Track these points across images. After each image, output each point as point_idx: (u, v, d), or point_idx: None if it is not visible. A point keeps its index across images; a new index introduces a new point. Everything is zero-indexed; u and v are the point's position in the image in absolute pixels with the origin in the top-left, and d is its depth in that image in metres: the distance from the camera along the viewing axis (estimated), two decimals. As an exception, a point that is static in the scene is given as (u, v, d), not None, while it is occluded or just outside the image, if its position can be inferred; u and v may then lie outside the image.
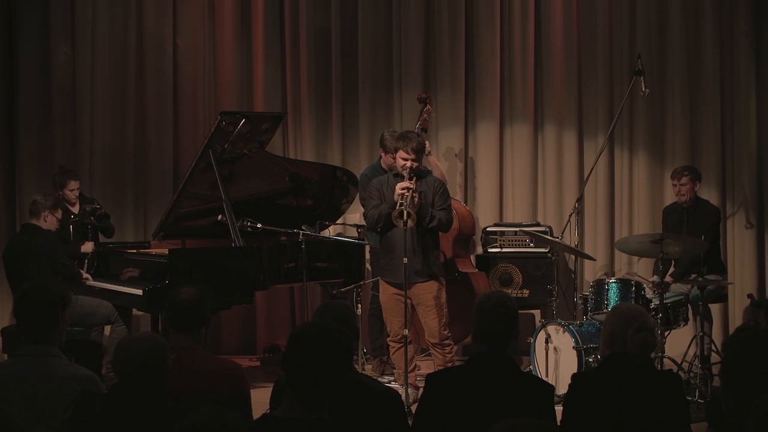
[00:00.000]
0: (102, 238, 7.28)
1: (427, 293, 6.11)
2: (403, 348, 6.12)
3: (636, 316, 3.85)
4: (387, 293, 6.19)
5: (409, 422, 3.73)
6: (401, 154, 6.06)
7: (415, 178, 5.98)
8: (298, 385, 2.85)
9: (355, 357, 6.76)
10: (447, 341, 6.17)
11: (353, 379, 3.41)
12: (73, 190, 7.20)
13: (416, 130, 7.31)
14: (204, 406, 2.57)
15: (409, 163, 6.01)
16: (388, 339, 6.36)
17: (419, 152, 6.06)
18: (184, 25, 8.39)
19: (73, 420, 3.29)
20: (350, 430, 2.99)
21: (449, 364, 6.10)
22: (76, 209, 7.18)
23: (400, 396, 3.68)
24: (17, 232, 7.36)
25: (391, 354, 6.41)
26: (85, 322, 6.57)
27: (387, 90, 8.31)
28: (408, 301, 6.07)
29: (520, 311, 3.90)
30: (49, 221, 6.57)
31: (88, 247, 7.02)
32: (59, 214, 6.64)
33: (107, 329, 6.80)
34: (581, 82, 8.10)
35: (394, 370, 6.77)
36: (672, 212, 7.22)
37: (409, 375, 6.09)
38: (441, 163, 8.04)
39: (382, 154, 7.10)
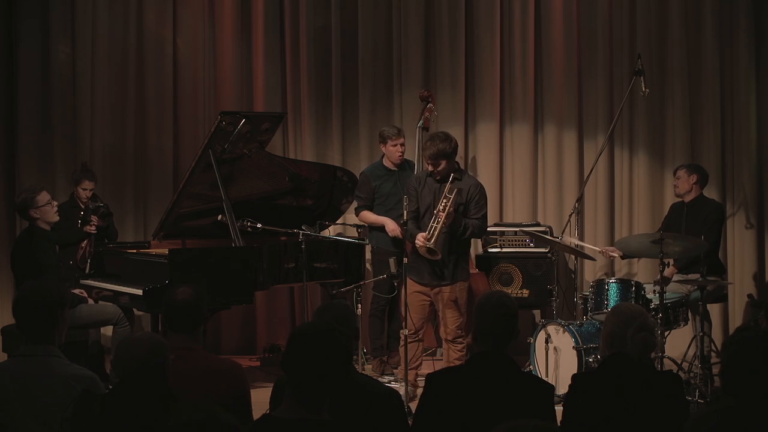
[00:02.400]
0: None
1: (450, 294, 6.24)
2: (416, 342, 6.32)
3: (636, 316, 3.86)
4: (411, 290, 6.23)
5: (408, 420, 3.74)
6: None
7: (433, 240, 6.02)
8: (298, 385, 2.85)
9: (354, 357, 6.80)
10: (459, 339, 6.29)
11: (353, 379, 3.42)
12: (86, 189, 7.23)
13: (417, 128, 7.37)
14: (187, 402, 2.55)
15: (430, 168, 6.12)
16: (400, 331, 6.42)
17: (436, 158, 6.06)
18: (184, 25, 8.39)
19: (73, 420, 3.28)
20: (350, 430, 2.99)
21: (459, 362, 6.22)
22: None
23: (400, 396, 3.68)
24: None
25: (399, 346, 6.47)
26: (87, 326, 6.55)
27: (387, 90, 8.31)
28: (428, 301, 6.27)
29: (520, 311, 3.91)
30: (41, 212, 6.36)
31: (91, 228, 7.01)
32: (41, 200, 6.34)
33: (108, 329, 6.79)
34: (581, 82, 8.10)
35: (394, 370, 6.81)
36: (675, 209, 7.24)
37: (411, 371, 6.24)
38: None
39: (382, 148, 7.18)
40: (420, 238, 6.02)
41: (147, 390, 3.25)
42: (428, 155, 6.06)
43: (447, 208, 5.97)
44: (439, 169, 6.07)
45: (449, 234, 6.10)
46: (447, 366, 6.08)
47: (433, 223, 6.02)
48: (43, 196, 6.39)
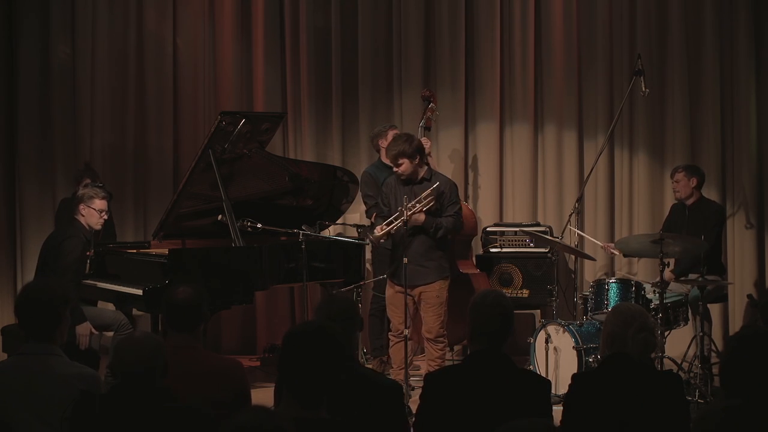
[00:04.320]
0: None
1: (431, 292, 6.29)
2: (402, 342, 6.34)
3: (636, 316, 3.85)
4: (391, 290, 6.38)
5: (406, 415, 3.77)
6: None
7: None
8: (295, 384, 2.86)
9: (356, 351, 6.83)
10: (441, 338, 6.34)
11: (357, 373, 3.44)
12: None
13: (419, 128, 7.37)
14: (254, 406, 2.56)
15: (395, 170, 6.30)
16: (389, 333, 6.54)
17: (396, 158, 6.23)
18: (184, 25, 8.40)
19: (73, 420, 3.29)
20: (348, 428, 2.99)
21: (439, 360, 6.32)
22: None
23: (401, 388, 3.70)
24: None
25: (390, 347, 6.56)
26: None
27: (387, 90, 8.31)
28: (410, 299, 6.27)
29: (520, 311, 3.92)
30: (87, 214, 6.42)
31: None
32: (97, 204, 6.43)
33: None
34: (581, 82, 8.09)
35: (391, 369, 6.85)
36: (676, 210, 7.24)
37: (403, 371, 6.26)
38: (445, 163, 8.06)
39: (381, 145, 7.20)
40: (377, 230, 6.22)
41: (145, 390, 3.26)
42: (390, 156, 6.27)
43: (415, 211, 6.11)
44: (400, 169, 6.23)
45: (426, 234, 6.21)
46: (442, 366, 6.18)
47: (393, 219, 6.14)
48: (101, 204, 6.47)
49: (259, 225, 6.61)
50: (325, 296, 7.41)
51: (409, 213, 6.06)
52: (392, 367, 6.57)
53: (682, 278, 6.76)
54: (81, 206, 6.44)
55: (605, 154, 7.82)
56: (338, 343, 2.91)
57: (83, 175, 7.30)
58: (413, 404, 5.34)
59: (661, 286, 6.28)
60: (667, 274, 6.70)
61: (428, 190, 6.16)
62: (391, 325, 6.48)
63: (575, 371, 5.80)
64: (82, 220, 6.46)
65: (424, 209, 6.14)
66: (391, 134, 7.16)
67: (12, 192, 8.20)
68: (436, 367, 6.22)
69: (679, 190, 7.10)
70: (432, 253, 6.27)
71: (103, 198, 6.50)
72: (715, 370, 6.29)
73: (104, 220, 6.55)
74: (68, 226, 6.55)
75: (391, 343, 6.50)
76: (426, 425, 3.71)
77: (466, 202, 7.92)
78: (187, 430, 3.18)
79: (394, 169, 6.29)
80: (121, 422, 3.21)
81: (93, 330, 6.30)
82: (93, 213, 6.43)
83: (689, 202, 7.08)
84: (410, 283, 6.19)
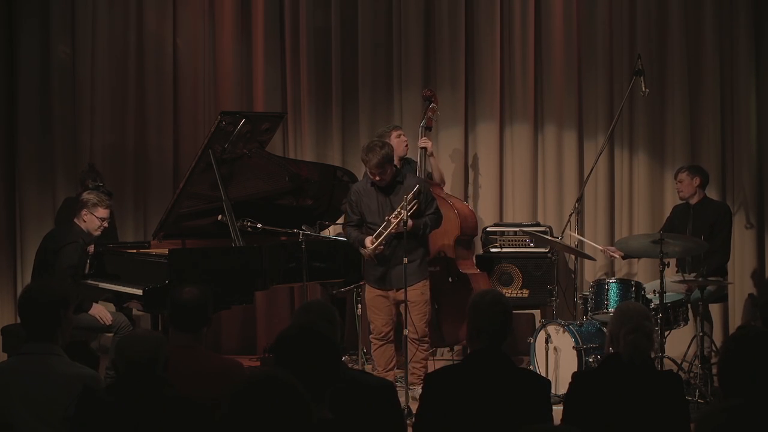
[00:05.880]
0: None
1: (415, 292, 6.26)
2: (385, 345, 6.39)
3: (633, 317, 3.84)
4: (372, 293, 6.38)
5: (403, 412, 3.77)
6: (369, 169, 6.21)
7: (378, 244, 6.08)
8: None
9: (354, 356, 6.83)
10: (426, 338, 6.37)
11: (347, 375, 3.44)
12: None
13: (420, 128, 7.36)
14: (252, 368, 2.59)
15: (378, 179, 6.16)
16: (370, 336, 6.48)
17: (383, 165, 6.09)
18: (184, 25, 8.40)
19: (77, 414, 3.29)
20: (350, 428, 3.00)
21: (424, 362, 6.36)
22: None
23: (393, 385, 3.70)
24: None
25: (372, 350, 6.50)
26: (88, 330, 6.54)
27: (387, 90, 8.31)
28: (392, 302, 6.31)
29: (520, 311, 3.92)
30: (88, 220, 6.49)
31: (90, 248, 7.02)
32: (100, 212, 6.49)
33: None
34: (581, 82, 8.09)
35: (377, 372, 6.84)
36: (679, 210, 7.22)
37: (389, 373, 6.32)
38: (446, 163, 8.06)
39: None
40: (368, 242, 6.13)
41: (146, 379, 3.27)
42: (375, 164, 6.08)
43: (401, 217, 6.00)
44: (386, 175, 6.14)
45: (408, 236, 6.07)
46: (426, 367, 6.28)
47: (383, 229, 6.06)
48: (104, 212, 6.53)
49: (259, 225, 6.62)
50: (304, 303, 7.41)
51: (397, 222, 6.01)
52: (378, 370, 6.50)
53: (682, 279, 6.75)
54: (84, 211, 6.49)
55: (605, 154, 7.82)
56: (328, 339, 2.93)
57: (88, 178, 7.29)
58: (413, 404, 5.36)
59: (692, 287, 6.32)
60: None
61: (410, 194, 6.00)
62: (372, 327, 6.42)
63: (575, 371, 5.82)
64: (82, 224, 6.50)
65: (409, 214, 6.01)
66: (394, 135, 7.13)
67: (12, 192, 8.20)
68: (422, 369, 6.24)
69: (682, 190, 7.08)
70: (413, 254, 6.17)
71: (107, 207, 6.56)
72: (715, 370, 6.29)
73: (104, 227, 6.59)
74: (67, 230, 6.57)
75: (373, 347, 6.43)
76: (426, 425, 3.71)
77: (467, 201, 7.93)
78: (183, 417, 3.20)
79: (376, 179, 6.15)
80: (124, 410, 3.22)
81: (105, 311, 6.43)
82: (94, 220, 6.51)
83: (693, 201, 7.07)
84: (393, 285, 6.21)
